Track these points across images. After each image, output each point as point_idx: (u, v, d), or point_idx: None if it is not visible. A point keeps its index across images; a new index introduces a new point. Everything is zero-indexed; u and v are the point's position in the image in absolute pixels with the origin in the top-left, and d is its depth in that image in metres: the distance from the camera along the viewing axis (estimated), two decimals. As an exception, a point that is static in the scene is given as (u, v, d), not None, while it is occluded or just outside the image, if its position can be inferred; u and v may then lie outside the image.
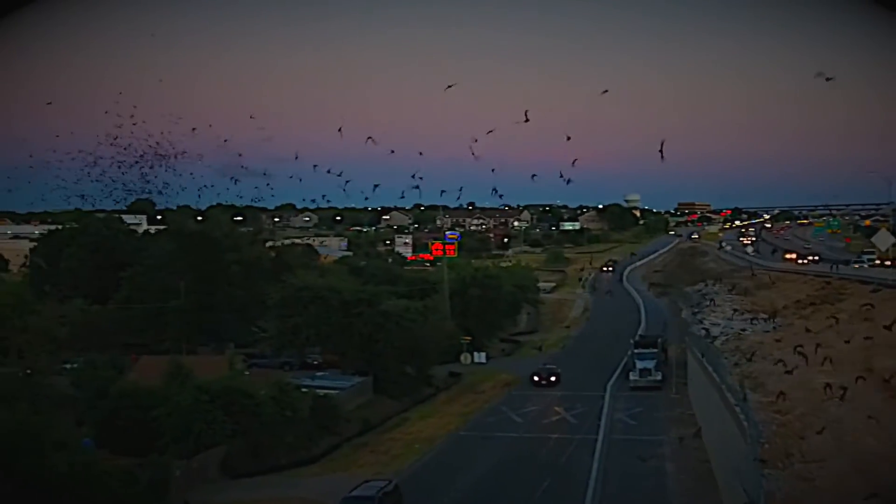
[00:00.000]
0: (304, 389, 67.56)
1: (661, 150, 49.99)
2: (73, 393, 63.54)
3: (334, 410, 64.21)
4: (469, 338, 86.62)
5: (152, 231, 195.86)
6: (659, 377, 77.08)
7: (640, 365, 77.80)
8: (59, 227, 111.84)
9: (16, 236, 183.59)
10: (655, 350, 79.72)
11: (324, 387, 70.11)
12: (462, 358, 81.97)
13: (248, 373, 70.37)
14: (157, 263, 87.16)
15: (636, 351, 79.93)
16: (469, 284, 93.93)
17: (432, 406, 72.77)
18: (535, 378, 78.29)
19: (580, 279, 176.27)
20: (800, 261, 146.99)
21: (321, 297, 74.29)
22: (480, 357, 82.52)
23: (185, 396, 53.40)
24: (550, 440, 60.04)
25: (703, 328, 79.25)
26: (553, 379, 78.28)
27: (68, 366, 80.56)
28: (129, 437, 54.44)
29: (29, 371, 74.60)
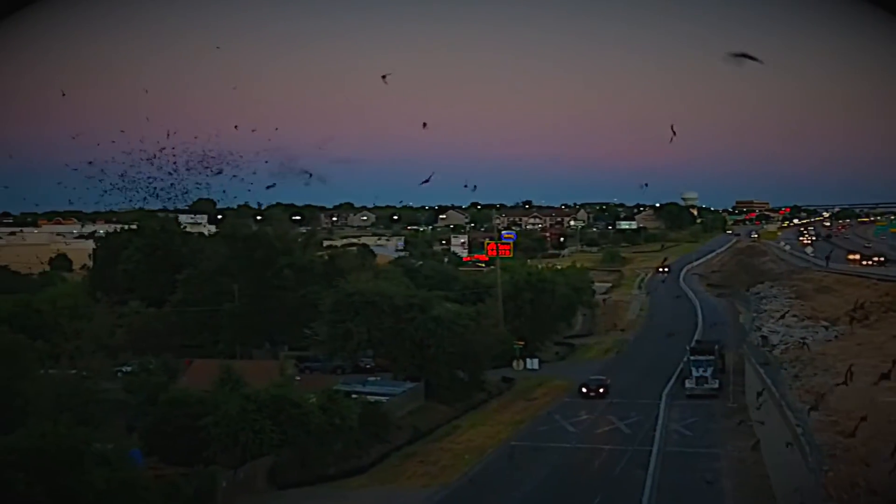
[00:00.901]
0: (354, 396, 66.68)
1: (672, 131, 43.04)
2: (126, 398, 62.79)
3: (384, 418, 62.79)
4: (522, 342, 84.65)
5: (213, 229, 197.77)
6: (716, 385, 74.44)
7: (696, 373, 75.19)
8: (119, 228, 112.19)
9: (81, 236, 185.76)
10: (712, 357, 76.96)
11: (374, 393, 68.86)
12: (514, 364, 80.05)
13: (298, 378, 69.37)
14: (211, 266, 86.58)
15: (692, 358, 77.25)
16: (522, 288, 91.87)
17: (484, 413, 71.01)
18: (584, 390, 75.46)
19: (639, 279, 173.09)
20: (864, 262, 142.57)
21: (372, 302, 72.93)
22: (533, 363, 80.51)
23: (233, 405, 52.34)
24: (603, 452, 58.08)
25: (762, 335, 76.65)
26: (602, 391, 75.19)
27: (124, 369, 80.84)
28: (179, 444, 53.57)
29: (85, 374, 74.93)
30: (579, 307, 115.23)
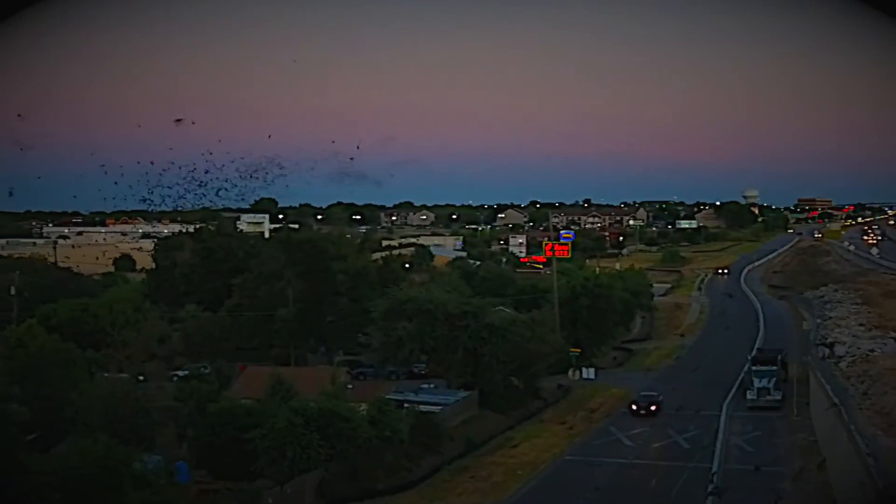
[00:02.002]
0: (406, 405, 64.90)
1: None
2: (176, 406, 61.59)
3: (436, 430, 60.82)
4: (578, 349, 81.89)
5: (272, 229, 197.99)
6: (778, 397, 70.87)
7: (758, 383, 71.73)
8: (179, 230, 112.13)
9: (146, 235, 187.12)
10: (775, 367, 73.41)
11: (427, 402, 66.99)
12: (570, 373, 77.34)
13: (350, 386, 67.67)
14: (266, 271, 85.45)
15: (754, 368, 73.78)
16: (579, 294, 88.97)
17: (538, 424, 68.49)
18: (634, 407, 70.60)
19: (699, 280, 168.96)
20: None
21: (425, 309, 70.95)
22: (589, 373, 77.70)
23: (280, 419, 50.68)
24: (661, 468, 55.32)
25: (827, 345, 73.00)
26: (654, 408, 70.14)
27: (179, 373, 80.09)
28: (227, 457, 52.31)
29: (140, 378, 74.22)
30: (638, 311, 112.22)
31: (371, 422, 55.14)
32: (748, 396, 71.82)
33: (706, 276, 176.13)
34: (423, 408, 66.06)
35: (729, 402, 72.35)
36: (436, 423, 62.47)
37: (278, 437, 50.49)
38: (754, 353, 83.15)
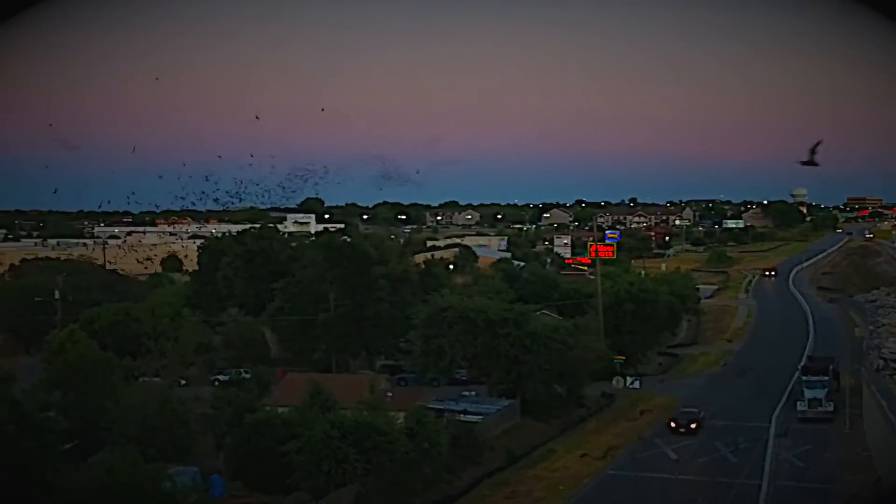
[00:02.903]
0: (446, 414, 63.29)
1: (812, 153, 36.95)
2: (214, 415, 60.43)
3: (476, 441, 58.96)
4: (623, 357, 79.48)
5: (319, 228, 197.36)
6: (830, 408, 67.90)
7: (808, 394, 68.88)
8: (224, 233, 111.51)
9: (194, 236, 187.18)
10: (826, 377, 70.42)
11: (468, 411, 65.30)
12: (614, 382, 75.00)
13: (390, 394, 66.15)
14: (308, 275, 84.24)
15: (805, 378, 70.83)
16: (624, 299, 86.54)
17: (581, 435, 66.35)
18: (672, 425, 65.75)
19: (746, 282, 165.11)
20: None
21: (465, 317, 69.14)
22: (634, 383, 75.22)
23: (317, 431, 49.19)
24: (707, 485, 52.97)
25: (881, 357, 70.03)
26: (693, 426, 65.08)
27: (220, 377, 79.27)
28: (263, 469, 51.10)
29: (182, 382, 73.40)
30: (684, 314, 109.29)
31: (410, 433, 53.49)
32: (799, 407, 69.05)
33: (753, 277, 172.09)
34: (463, 417, 64.50)
35: (779, 414, 69.73)
36: (476, 433, 60.74)
37: (314, 450, 49.05)
38: (805, 361, 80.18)
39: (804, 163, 30.29)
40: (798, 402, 69.61)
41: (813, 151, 30.27)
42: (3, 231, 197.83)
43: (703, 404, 71.02)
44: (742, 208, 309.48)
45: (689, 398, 74.31)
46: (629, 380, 75.53)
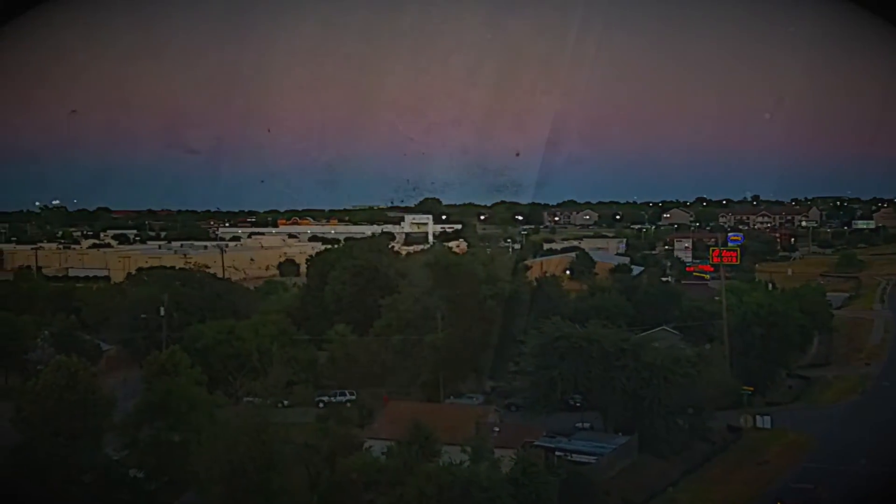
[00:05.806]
0: (557, 453, 57.48)
1: None
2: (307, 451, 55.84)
3: (589, 488, 52.93)
4: (751, 388, 71.57)
5: (437, 229, 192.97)
6: None
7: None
8: (334, 242, 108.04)
9: (314, 237, 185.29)
10: None
11: (581, 451, 59.23)
12: (742, 421, 67.39)
13: (497, 429, 60.64)
14: (415, 293, 79.32)
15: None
16: (751, 323, 78.23)
17: (704, 480, 59.11)
18: None
19: (880, 289, 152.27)
20: None
21: (578, 347, 62.81)
22: (765, 422, 67.29)
23: (410, 488, 43.97)
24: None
25: None
26: None
27: (325, 398, 75.37)
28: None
29: (285, 403, 69.40)
30: (815, 331, 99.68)
31: (514, 482, 47.91)
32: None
33: (888, 283, 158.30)
34: (575, 456, 58.59)
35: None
36: (590, 477, 54.69)
37: (407, 508, 43.96)
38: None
39: None
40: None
41: None
42: (133, 232, 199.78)
43: (840, 444, 62.61)
44: (873, 207, 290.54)
45: (824, 436, 65.91)
46: (759, 419, 67.69)
